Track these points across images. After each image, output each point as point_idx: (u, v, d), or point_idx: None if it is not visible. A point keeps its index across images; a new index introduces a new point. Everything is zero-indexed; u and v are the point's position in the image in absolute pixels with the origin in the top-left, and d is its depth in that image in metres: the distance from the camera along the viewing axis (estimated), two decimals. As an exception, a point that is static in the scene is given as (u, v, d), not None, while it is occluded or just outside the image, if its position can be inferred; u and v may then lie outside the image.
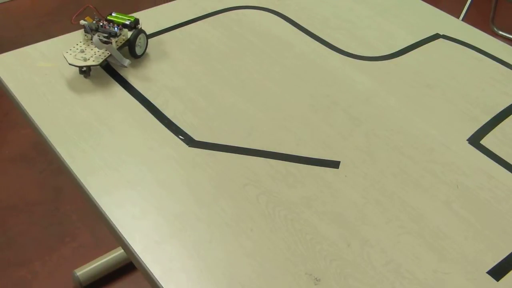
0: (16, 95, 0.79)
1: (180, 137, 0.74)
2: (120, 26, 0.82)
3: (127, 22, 0.83)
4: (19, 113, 0.80)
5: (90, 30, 0.81)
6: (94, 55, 0.80)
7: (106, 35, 0.80)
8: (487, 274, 0.59)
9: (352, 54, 0.91)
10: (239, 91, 0.82)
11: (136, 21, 0.83)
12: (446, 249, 0.62)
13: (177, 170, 0.69)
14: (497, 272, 0.60)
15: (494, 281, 0.59)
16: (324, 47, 0.92)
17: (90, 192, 0.66)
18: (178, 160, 0.70)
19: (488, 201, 0.67)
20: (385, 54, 0.91)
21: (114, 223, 0.63)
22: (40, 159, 1.56)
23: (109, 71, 0.84)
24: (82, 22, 0.81)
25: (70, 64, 0.79)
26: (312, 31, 0.95)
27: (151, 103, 0.79)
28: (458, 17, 1.71)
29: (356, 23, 0.98)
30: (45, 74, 0.84)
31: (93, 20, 0.82)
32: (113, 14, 0.84)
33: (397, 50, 0.92)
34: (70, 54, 0.80)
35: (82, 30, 0.82)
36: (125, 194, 0.66)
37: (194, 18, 0.97)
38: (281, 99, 0.81)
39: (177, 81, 0.83)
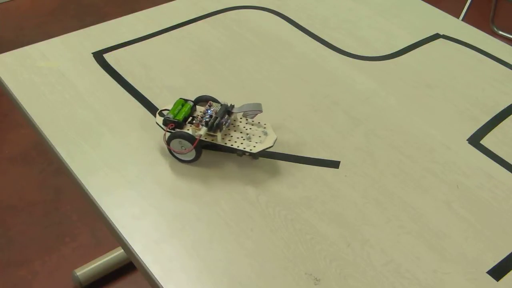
0: (16, 95, 0.79)
1: (180, 137, 0.74)
2: (209, 102, 0.72)
3: (191, 103, 0.72)
4: (19, 113, 0.80)
5: (223, 118, 0.70)
6: (258, 128, 0.71)
7: (221, 114, 0.70)
8: (487, 274, 0.59)
9: (352, 54, 0.91)
10: (239, 91, 0.82)
11: (187, 100, 0.73)
12: (446, 249, 0.62)
13: (177, 170, 0.69)
14: (497, 272, 0.60)
15: (494, 281, 0.59)
16: (324, 47, 0.92)
17: (90, 192, 0.66)
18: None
19: (488, 201, 0.67)
20: (385, 54, 0.91)
21: (114, 223, 0.63)
22: (40, 159, 1.56)
23: (108, 70, 0.84)
24: (199, 132, 0.68)
25: (268, 148, 0.68)
26: (312, 31, 0.95)
27: (151, 103, 0.79)
28: (458, 17, 1.71)
29: (356, 23, 0.98)
30: (45, 74, 0.84)
31: (199, 118, 0.70)
32: (167, 113, 0.70)
33: (397, 50, 0.92)
34: (255, 146, 0.68)
35: (218, 134, 0.69)
36: (125, 194, 0.66)
37: (194, 18, 0.97)
38: (281, 99, 0.81)
39: (177, 81, 0.83)
